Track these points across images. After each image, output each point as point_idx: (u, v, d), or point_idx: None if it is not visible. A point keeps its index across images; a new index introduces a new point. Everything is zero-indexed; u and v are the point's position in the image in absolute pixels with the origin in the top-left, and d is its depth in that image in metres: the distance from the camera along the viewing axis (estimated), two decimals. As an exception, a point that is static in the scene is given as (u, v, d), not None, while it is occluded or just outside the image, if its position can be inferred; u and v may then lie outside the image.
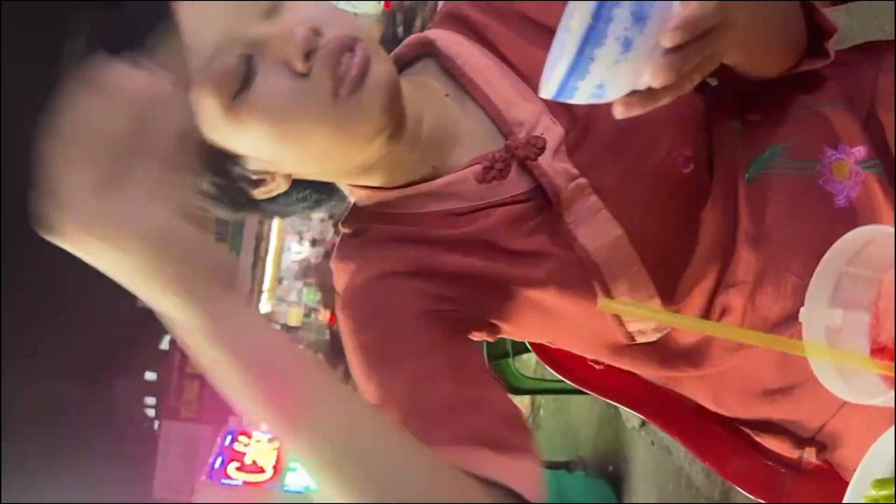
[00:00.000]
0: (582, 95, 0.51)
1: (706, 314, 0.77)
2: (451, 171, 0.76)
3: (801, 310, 0.52)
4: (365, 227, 0.80)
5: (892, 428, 0.47)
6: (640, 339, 0.78)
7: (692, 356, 0.79)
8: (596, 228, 0.73)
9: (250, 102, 0.66)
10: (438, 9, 0.85)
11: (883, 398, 0.45)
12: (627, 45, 0.48)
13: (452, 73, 0.77)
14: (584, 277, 0.74)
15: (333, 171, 0.77)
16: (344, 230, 0.83)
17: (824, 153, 0.74)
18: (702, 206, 0.76)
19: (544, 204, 0.74)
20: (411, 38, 0.84)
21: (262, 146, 0.70)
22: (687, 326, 0.57)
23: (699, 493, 2.18)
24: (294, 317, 16.11)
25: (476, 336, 0.77)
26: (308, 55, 0.65)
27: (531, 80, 0.69)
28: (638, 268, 0.74)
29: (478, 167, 0.74)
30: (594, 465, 3.12)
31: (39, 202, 0.48)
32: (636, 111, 0.55)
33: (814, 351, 0.50)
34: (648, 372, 0.84)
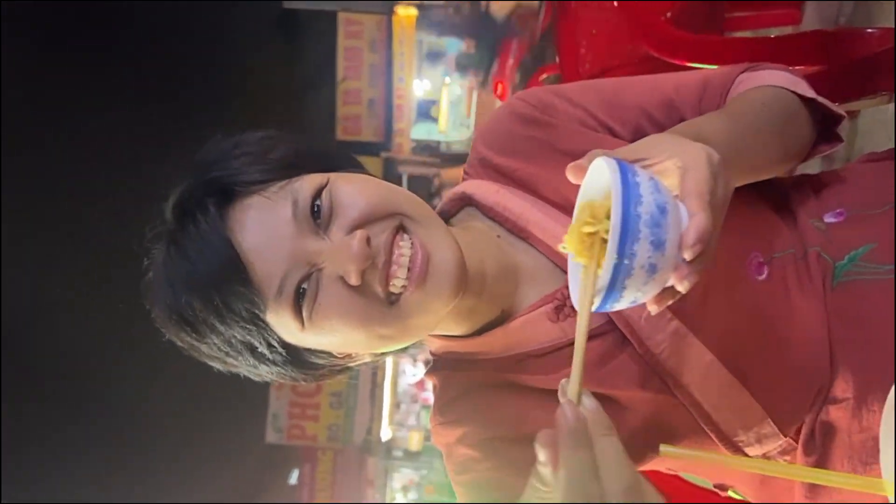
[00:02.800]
0: (627, 301, 0.56)
1: (813, 428, 0.74)
2: (520, 311, 0.77)
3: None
4: (453, 380, 0.83)
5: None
6: (752, 453, 0.75)
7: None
8: (687, 358, 0.70)
9: (319, 316, 0.73)
10: (470, 155, 0.90)
11: None
12: (653, 269, 0.52)
13: (496, 218, 0.81)
14: (686, 415, 0.73)
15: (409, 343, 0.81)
16: (433, 381, 0.87)
17: None
18: (786, 315, 0.74)
19: (624, 338, 0.73)
20: (450, 193, 0.88)
21: (339, 347, 0.78)
22: (753, 469, 0.55)
23: None
24: (415, 441, 16.05)
25: None
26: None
27: (568, 209, 0.72)
28: (740, 393, 0.71)
29: (549, 307, 0.75)
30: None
31: None
32: (668, 303, 0.57)
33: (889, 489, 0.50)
34: (756, 498, 0.82)
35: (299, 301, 0.74)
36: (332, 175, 0.77)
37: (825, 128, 0.80)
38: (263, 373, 0.82)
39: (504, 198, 0.81)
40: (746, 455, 0.74)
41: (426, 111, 13.72)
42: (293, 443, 13.42)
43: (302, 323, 0.74)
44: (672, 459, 0.80)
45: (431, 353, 0.88)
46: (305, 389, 13.18)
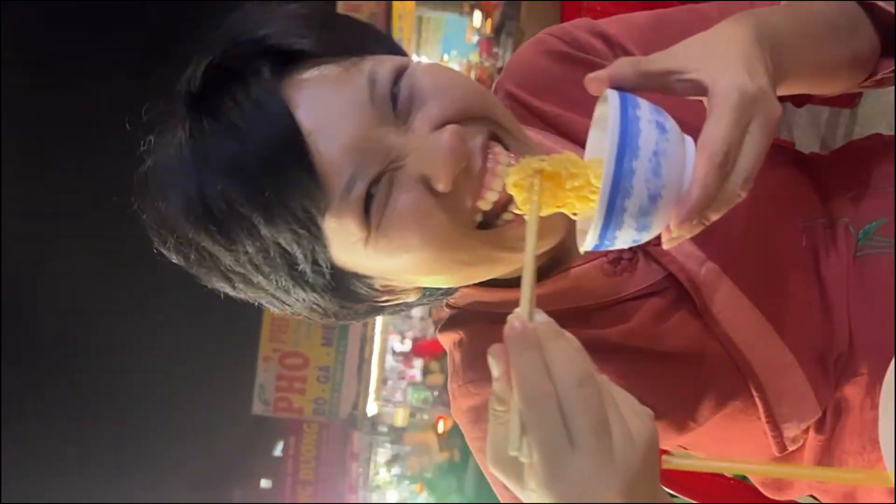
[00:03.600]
0: (622, 243, 0.51)
1: (824, 411, 0.71)
2: (571, 261, 0.70)
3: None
4: (485, 333, 0.72)
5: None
6: (791, 447, 0.72)
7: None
8: (742, 321, 0.67)
9: (391, 226, 0.58)
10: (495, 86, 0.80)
11: None
12: (654, 198, 0.49)
13: None
14: (739, 382, 0.68)
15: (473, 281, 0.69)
16: (457, 336, 0.75)
17: None
18: (820, 286, 0.71)
19: (681, 295, 0.68)
20: None
21: (402, 269, 0.62)
22: (761, 473, 0.54)
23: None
24: (400, 418, 16.11)
25: None
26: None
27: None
28: (791, 361, 0.68)
29: (604, 260, 0.69)
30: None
31: None
32: (686, 236, 0.52)
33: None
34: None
35: (369, 205, 0.58)
36: (411, 60, 0.63)
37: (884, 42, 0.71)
38: (292, 299, 0.64)
39: (547, 145, 0.70)
40: (780, 432, 0.70)
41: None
42: (279, 415, 13.42)
43: (368, 233, 0.59)
44: (683, 437, 0.75)
45: (449, 306, 0.76)
46: (293, 362, 13.18)
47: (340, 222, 0.59)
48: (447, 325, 0.76)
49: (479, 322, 0.73)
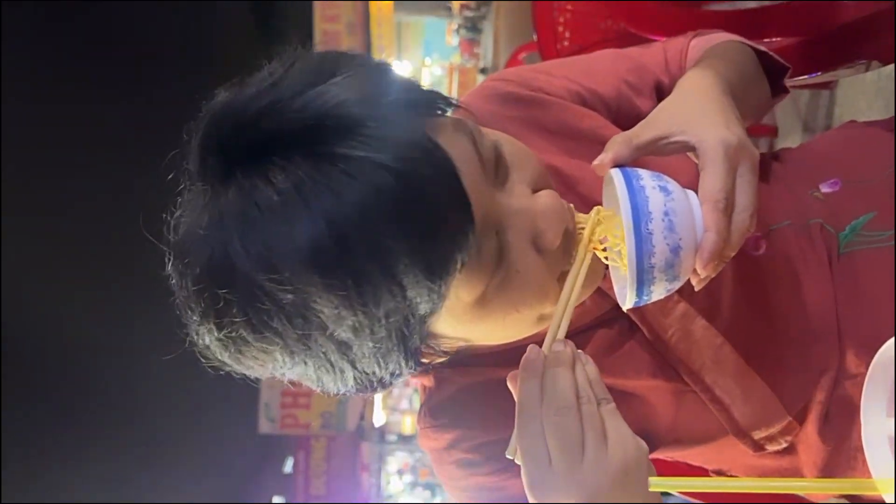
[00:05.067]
0: (659, 295, 0.57)
1: (828, 411, 0.72)
2: None
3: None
4: (449, 379, 0.74)
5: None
6: (769, 447, 0.74)
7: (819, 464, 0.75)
8: (696, 341, 0.70)
9: (510, 287, 0.57)
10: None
11: None
12: (672, 273, 0.56)
13: None
14: (697, 401, 0.71)
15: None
16: (425, 383, 0.77)
17: None
18: (793, 290, 0.73)
19: (631, 324, 0.71)
20: None
21: (496, 329, 0.61)
22: (745, 490, 0.56)
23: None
24: (409, 425, 16.16)
25: None
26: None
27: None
28: (748, 376, 0.71)
29: None
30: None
31: None
32: (712, 275, 0.58)
33: (886, 485, 0.47)
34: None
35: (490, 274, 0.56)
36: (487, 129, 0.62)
37: (773, 81, 0.82)
38: (376, 369, 0.58)
39: None
40: (752, 439, 0.73)
41: (407, 94, 13.57)
42: (286, 432, 13.45)
43: (483, 291, 0.56)
44: (671, 452, 0.80)
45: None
46: (297, 378, 13.19)
47: (473, 281, 0.56)
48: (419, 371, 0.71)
49: (448, 368, 0.73)
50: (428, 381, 0.76)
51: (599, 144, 0.62)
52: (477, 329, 0.61)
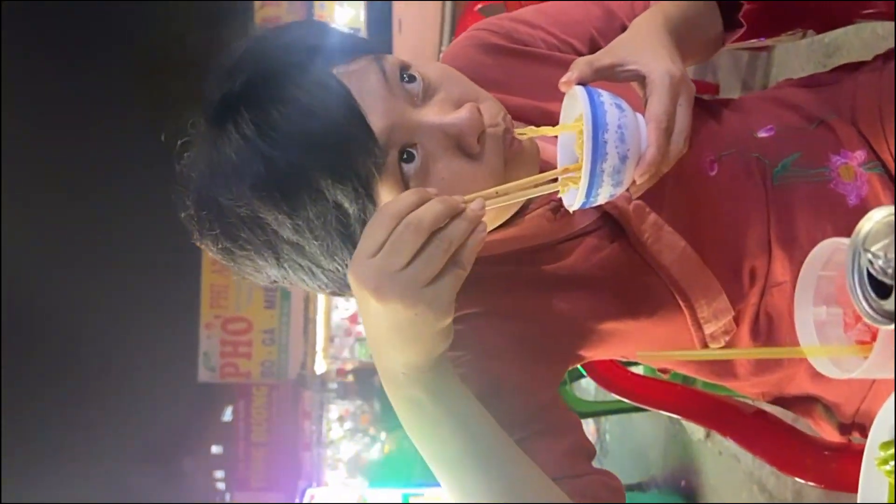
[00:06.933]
0: (603, 198, 0.65)
1: (758, 314, 0.85)
2: (524, 213, 0.80)
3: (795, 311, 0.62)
4: None
5: (893, 394, 0.56)
6: (712, 345, 0.84)
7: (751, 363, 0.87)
8: (665, 243, 0.81)
9: (443, 191, 0.63)
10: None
11: (860, 370, 0.57)
12: (618, 178, 0.63)
13: None
14: (668, 294, 0.82)
15: None
16: None
17: (830, 160, 0.84)
18: (736, 207, 0.84)
19: (614, 231, 0.82)
20: None
21: None
22: (708, 357, 0.66)
23: (772, 496, 2.21)
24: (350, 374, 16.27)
25: (563, 368, 0.82)
26: (479, 137, 0.70)
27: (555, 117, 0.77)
28: (705, 273, 0.82)
29: (546, 208, 0.80)
30: (666, 483, 3.15)
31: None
32: (648, 185, 0.68)
33: (811, 351, 0.64)
34: (712, 377, 0.91)
35: (405, 173, 0.69)
36: (411, 61, 0.74)
37: (728, 17, 0.88)
38: (335, 265, 0.72)
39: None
40: (703, 331, 0.83)
41: (348, 40, 13.19)
42: (227, 380, 13.37)
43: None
44: (624, 348, 0.89)
45: None
46: (236, 328, 13.07)
47: (386, 186, 0.69)
48: None
49: None
50: None
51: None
52: None
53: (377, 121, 0.67)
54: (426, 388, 0.62)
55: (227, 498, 17.51)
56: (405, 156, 0.69)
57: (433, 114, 0.70)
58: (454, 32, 3.92)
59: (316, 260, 0.71)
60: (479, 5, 3.42)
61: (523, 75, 0.86)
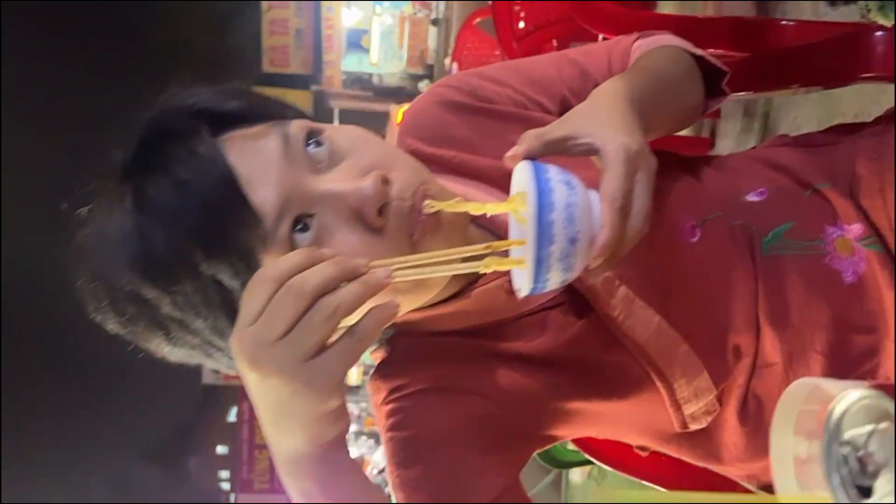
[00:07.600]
0: (554, 284, 0.60)
1: (746, 396, 0.78)
2: (475, 286, 0.76)
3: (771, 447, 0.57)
4: (397, 347, 0.79)
5: None
6: (692, 426, 0.79)
7: (735, 451, 0.81)
8: (638, 319, 0.75)
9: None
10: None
11: None
12: (568, 263, 0.59)
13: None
14: (643, 373, 0.76)
15: None
16: (376, 353, 0.81)
17: (825, 231, 0.78)
18: (720, 278, 0.78)
19: (580, 305, 0.76)
20: None
21: None
22: (679, 500, 0.61)
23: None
24: (354, 375, 16.24)
25: (527, 451, 0.78)
26: (381, 209, 0.65)
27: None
28: (684, 349, 0.76)
29: (504, 279, 0.75)
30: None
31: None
32: (604, 270, 0.63)
33: (787, 498, 0.55)
34: (694, 459, 0.86)
35: (296, 244, 0.65)
36: (323, 126, 0.71)
37: (712, 84, 0.85)
38: (226, 344, 0.68)
39: (445, 184, 0.77)
40: (682, 412, 0.78)
41: (357, 41, 13.24)
42: (231, 382, 13.39)
43: None
44: (597, 428, 0.85)
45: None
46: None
47: (275, 258, 0.62)
48: (375, 372, 0.80)
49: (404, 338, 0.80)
50: (379, 354, 0.81)
51: None
52: None
53: (267, 191, 0.63)
54: (318, 479, 0.57)
55: (232, 498, 17.59)
56: (300, 226, 0.65)
57: (333, 182, 0.65)
58: (454, 47, 3.88)
59: (206, 338, 0.68)
60: (478, 19, 3.39)
61: (488, 135, 0.81)
